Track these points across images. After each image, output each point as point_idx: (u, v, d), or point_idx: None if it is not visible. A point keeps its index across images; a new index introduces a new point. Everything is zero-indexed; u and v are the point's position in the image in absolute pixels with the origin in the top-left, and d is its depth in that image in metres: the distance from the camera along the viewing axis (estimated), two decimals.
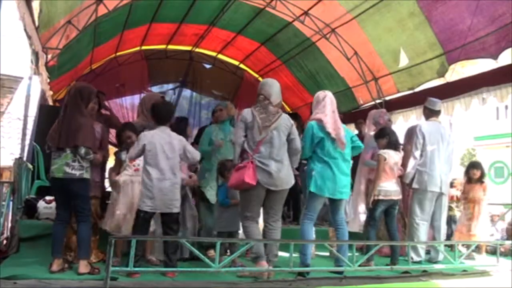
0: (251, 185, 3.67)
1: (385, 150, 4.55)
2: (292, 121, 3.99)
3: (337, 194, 4.00)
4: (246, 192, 3.80)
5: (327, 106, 4.09)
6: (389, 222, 4.60)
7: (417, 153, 4.80)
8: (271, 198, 3.86)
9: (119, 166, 4.13)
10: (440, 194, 4.82)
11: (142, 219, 3.69)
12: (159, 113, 3.91)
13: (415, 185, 4.81)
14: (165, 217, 3.77)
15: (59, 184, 3.54)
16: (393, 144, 4.62)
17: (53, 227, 3.65)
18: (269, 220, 3.94)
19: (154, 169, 3.69)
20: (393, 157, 4.54)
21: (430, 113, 5.03)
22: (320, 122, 4.01)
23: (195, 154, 3.93)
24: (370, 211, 4.55)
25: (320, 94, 4.23)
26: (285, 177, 3.84)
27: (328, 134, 3.97)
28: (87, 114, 3.65)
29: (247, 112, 3.88)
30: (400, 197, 4.58)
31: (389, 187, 4.47)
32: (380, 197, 4.45)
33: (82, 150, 3.50)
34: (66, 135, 3.51)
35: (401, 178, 4.75)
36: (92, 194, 3.89)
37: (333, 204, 4.13)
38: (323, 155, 3.99)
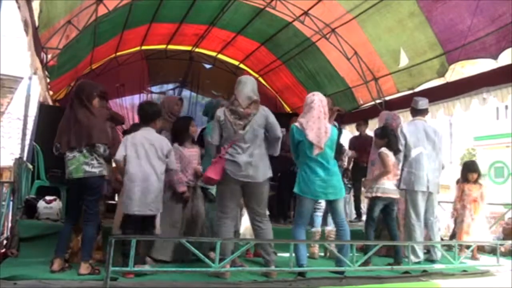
0: (215, 180, 3.75)
1: (386, 149, 4.55)
2: (267, 110, 3.94)
3: (320, 195, 3.97)
4: (220, 186, 3.83)
5: (312, 112, 4.00)
6: (389, 222, 4.60)
7: (400, 155, 4.79)
8: (248, 194, 3.84)
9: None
10: (430, 193, 4.82)
11: (128, 222, 3.64)
12: (144, 114, 3.89)
13: (403, 186, 4.83)
14: (144, 219, 3.70)
15: (78, 184, 3.52)
16: (392, 148, 4.61)
17: (63, 227, 3.66)
18: (254, 221, 3.91)
19: (136, 170, 3.64)
20: (392, 157, 4.55)
21: (415, 112, 5.03)
22: (301, 126, 3.98)
23: (173, 165, 3.88)
24: (368, 210, 4.56)
25: (309, 97, 4.13)
26: (257, 168, 3.79)
27: (306, 138, 3.93)
28: (95, 111, 3.62)
29: (220, 111, 3.90)
30: (397, 196, 4.58)
31: (387, 186, 4.48)
32: (378, 194, 4.45)
33: (101, 148, 3.51)
34: (79, 134, 3.48)
35: None
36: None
37: (329, 205, 4.15)
38: (305, 157, 3.98)
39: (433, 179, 4.83)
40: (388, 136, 4.65)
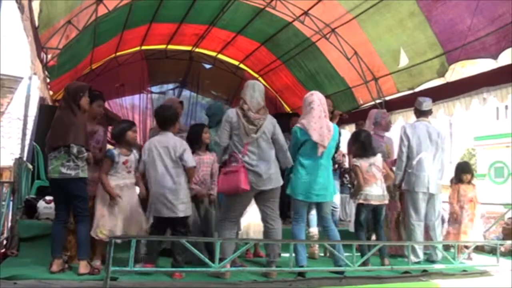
0: (244, 191, 3.66)
1: (356, 159, 4.56)
2: (274, 120, 3.99)
3: (313, 197, 3.96)
4: (235, 194, 3.76)
5: (313, 112, 4.02)
6: (376, 228, 4.60)
7: (402, 156, 4.82)
8: (263, 198, 3.86)
9: (109, 166, 3.83)
10: (431, 194, 4.82)
11: (154, 226, 3.77)
12: (159, 119, 3.93)
13: (404, 186, 4.85)
14: (172, 221, 3.77)
15: (57, 185, 3.54)
16: (365, 149, 4.57)
17: (52, 227, 3.64)
18: (268, 219, 3.92)
19: (153, 175, 3.70)
20: (364, 161, 4.52)
21: (418, 113, 5.04)
22: (303, 127, 3.99)
23: (189, 163, 3.81)
24: (356, 216, 4.58)
25: (308, 97, 4.13)
26: (274, 176, 3.85)
27: (309, 138, 3.94)
28: (79, 112, 3.60)
29: (231, 112, 3.88)
30: (384, 202, 4.54)
31: (370, 192, 4.47)
32: (361, 201, 4.47)
33: (75, 149, 3.46)
34: (59, 135, 3.50)
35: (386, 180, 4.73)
36: (92, 193, 3.83)
37: (317, 206, 4.16)
38: (301, 158, 3.99)
39: (435, 180, 4.83)
40: (360, 141, 4.62)
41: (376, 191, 4.49)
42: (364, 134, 4.72)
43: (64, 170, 3.47)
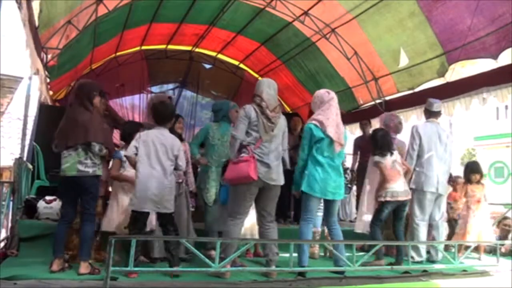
0: (252, 180, 3.66)
1: (379, 157, 4.55)
2: (285, 120, 4.03)
3: (328, 195, 3.97)
4: (241, 187, 3.77)
5: (331, 109, 4.04)
6: (396, 224, 4.60)
7: (413, 154, 4.83)
8: (264, 196, 3.87)
9: (119, 166, 4.06)
10: (439, 195, 4.83)
11: (135, 219, 3.68)
12: (158, 114, 3.91)
13: (412, 185, 4.84)
14: (160, 217, 3.78)
15: (71, 183, 3.51)
16: (385, 147, 4.56)
17: (57, 227, 3.63)
18: (264, 221, 3.94)
19: (146, 168, 3.67)
20: (387, 158, 4.52)
21: (429, 114, 5.06)
22: (320, 124, 3.98)
23: (182, 167, 3.88)
24: (377, 212, 4.54)
25: (325, 94, 4.12)
26: (280, 173, 3.89)
27: (327, 135, 3.95)
28: (93, 110, 3.60)
29: (249, 109, 3.85)
30: (408, 197, 4.54)
31: (396, 188, 4.45)
32: (387, 199, 4.44)
33: (96, 147, 3.48)
34: (76, 132, 3.48)
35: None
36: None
37: (327, 205, 4.14)
38: (318, 156, 3.97)
39: (443, 181, 4.85)
40: (379, 138, 4.62)
41: (400, 187, 4.48)
42: (381, 133, 4.73)
43: (81, 167, 3.47)
